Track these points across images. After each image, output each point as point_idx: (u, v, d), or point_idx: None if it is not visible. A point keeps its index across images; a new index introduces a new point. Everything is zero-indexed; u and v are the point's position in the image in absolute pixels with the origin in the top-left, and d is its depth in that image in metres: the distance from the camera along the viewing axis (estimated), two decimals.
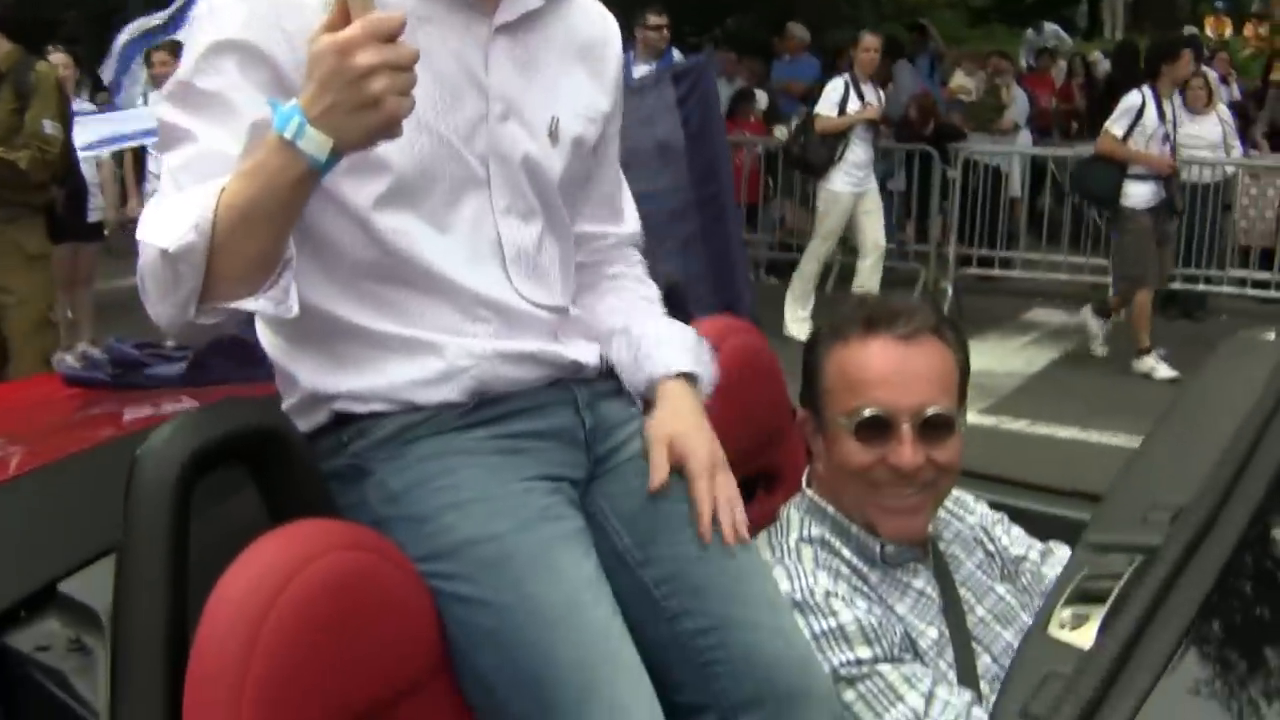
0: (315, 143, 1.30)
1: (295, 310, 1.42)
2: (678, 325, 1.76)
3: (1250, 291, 9.21)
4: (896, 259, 10.38)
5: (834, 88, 8.21)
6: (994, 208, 9.57)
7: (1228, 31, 19.40)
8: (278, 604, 1.27)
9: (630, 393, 1.70)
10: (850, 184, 8.31)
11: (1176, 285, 9.33)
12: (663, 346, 1.69)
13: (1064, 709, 0.87)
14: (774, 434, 2.11)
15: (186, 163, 1.43)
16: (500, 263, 1.58)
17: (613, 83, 1.74)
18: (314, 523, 1.40)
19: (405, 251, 1.51)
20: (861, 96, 8.15)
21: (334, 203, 1.48)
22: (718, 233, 2.80)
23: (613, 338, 1.72)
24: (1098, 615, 0.96)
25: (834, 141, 8.15)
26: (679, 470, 1.60)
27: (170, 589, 1.39)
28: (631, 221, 1.86)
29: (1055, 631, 0.97)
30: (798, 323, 8.15)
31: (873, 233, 8.41)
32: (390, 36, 1.29)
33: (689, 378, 1.69)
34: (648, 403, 1.68)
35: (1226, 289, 9.29)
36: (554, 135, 1.63)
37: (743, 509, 1.61)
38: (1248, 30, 19.75)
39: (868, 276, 8.42)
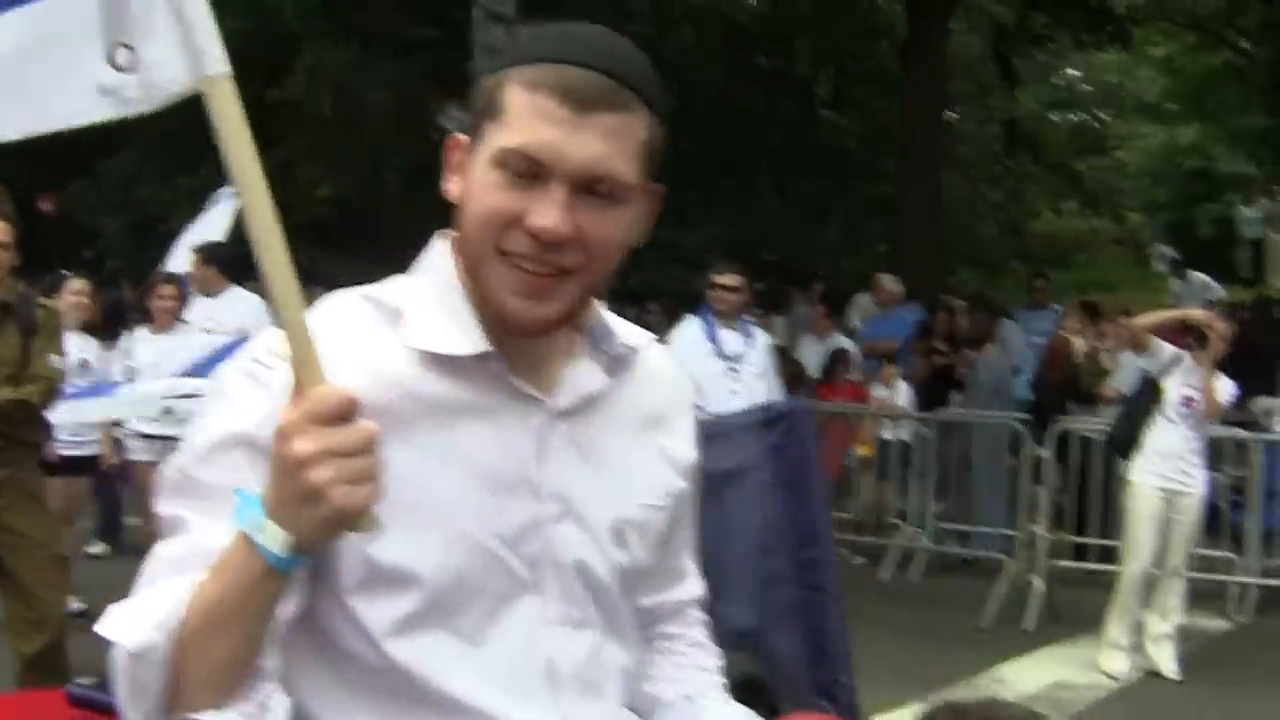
0: (271, 537, 1.23)
1: None
2: (740, 711, 1.63)
3: None
4: (977, 544, 9.05)
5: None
6: (1095, 489, 8.45)
7: None
8: None
9: None
10: (1156, 478, 6.51)
11: None
12: None
13: None
14: None
15: (172, 555, 1.34)
16: (547, 682, 1.44)
17: (688, 452, 1.60)
18: None
19: (433, 679, 1.38)
20: None
21: (348, 620, 1.37)
22: (816, 605, 2.24)
23: (658, 713, 1.60)
24: None
25: (1139, 416, 6.46)
26: None
27: None
28: (694, 583, 1.69)
29: None
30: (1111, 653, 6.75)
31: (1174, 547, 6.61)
32: (335, 417, 1.19)
33: None
34: None
35: None
36: (619, 536, 1.49)
37: None
38: None
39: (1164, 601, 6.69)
